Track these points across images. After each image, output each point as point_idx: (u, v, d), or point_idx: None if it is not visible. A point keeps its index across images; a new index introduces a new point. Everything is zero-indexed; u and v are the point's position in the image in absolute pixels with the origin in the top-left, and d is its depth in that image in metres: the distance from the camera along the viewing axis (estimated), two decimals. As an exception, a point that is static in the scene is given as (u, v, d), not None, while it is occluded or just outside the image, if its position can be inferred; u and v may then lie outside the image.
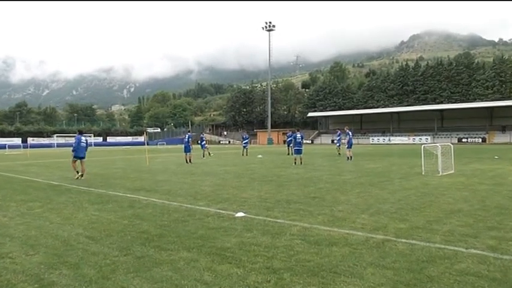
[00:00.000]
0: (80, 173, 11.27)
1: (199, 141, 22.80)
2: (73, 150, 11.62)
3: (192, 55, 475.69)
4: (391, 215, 5.62)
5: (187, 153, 17.48)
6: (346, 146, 18.20)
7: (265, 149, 37.65)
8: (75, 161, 11.52)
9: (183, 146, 18.49)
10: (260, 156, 19.05)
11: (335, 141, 22.38)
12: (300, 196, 7.39)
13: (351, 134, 18.67)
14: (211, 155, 20.82)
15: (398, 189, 8.16)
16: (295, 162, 15.23)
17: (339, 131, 21.60)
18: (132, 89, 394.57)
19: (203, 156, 20.93)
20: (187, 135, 18.41)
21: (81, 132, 11.92)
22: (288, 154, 23.14)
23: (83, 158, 11.66)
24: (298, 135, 15.41)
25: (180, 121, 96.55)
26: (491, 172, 11.27)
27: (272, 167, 14.43)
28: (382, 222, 5.20)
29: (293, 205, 6.46)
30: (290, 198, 7.19)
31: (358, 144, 51.23)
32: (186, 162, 17.11)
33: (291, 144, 22.57)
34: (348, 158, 17.58)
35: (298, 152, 15.29)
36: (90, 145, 60.59)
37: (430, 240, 4.36)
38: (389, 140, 53.87)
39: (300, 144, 15.37)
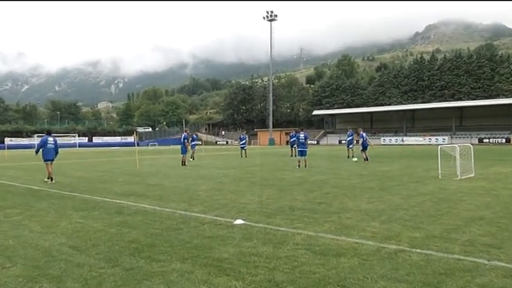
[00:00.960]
0: (49, 177, 11.39)
1: (189, 140, 22.74)
2: (36, 152, 11.84)
3: (187, 47, 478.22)
4: (404, 222, 5.62)
5: (183, 155, 17.51)
6: (361, 148, 18.32)
7: (266, 150, 37.65)
8: (47, 164, 11.65)
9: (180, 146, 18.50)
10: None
11: (346, 142, 22.40)
12: (304, 202, 7.39)
13: (364, 135, 18.81)
14: (194, 160, 20.80)
15: (413, 194, 8.16)
16: (298, 165, 15.25)
17: (351, 131, 21.59)
18: (120, 85, 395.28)
19: (192, 158, 20.93)
20: (183, 135, 18.42)
21: (49, 133, 12.06)
22: (292, 156, 23.15)
23: (52, 160, 11.79)
24: (302, 136, 15.42)
25: (173, 120, 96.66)
26: (515, 176, 11.27)
27: (274, 170, 14.42)
28: (395, 230, 5.20)
29: (297, 212, 6.46)
30: (293, 204, 7.19)
31: (368, 145, 51.19)
32: (182, 164, 17.12)
33: (295, 145, 22.61)
34: (365, 159, 17.73)
35: (302, 153, 15.30)
36: (75, 146, 61.09)
37: (447, 250, 4.36)
38: (402, 140, 53.89)
39: (304, 145, 15.39)
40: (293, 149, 22.74)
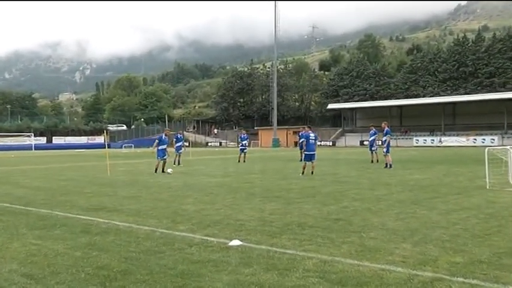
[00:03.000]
0: None
1: (174, 141, 22.78)
2: None
3: (171, 26, 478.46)
4: (443, 244, 5.61)
5: (161, 159, 17.52)
6: (384, 149, 18.28)
7: (269, 154, 37.68)
8: None
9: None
10: (170, 171, 17.96)
11: (369, 143, 22.42)
12: (317, 218, 7.40)
13: (389, 130, 18.74)
14: (179, 165, 20.84)
15: (454, 208, 8.16)
16: (303, 172, 15.26)
17: (374, 129, 21.58)
18: (87, 72, 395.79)
19: (176, 163, 20.95)
20: (161, 136, 18.45)
21: None
22: (301, 160, 23.17)
23: None
24: (312, 135, 15.44)
25: (153, 116, 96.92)
26: None
27: (279, 179, 14.42)
28: (431, 254, 5.20)
29: (308, 230, 6.47)
30: (303, 220, 7.19)
31: (398, 146, 51.20)
32: (162, 171, 17.16)
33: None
34: (387, 165, 17.66)
35: (312, 157, 15.29)
36: (30, 148, 61.14)
37: (499, 280, 4.35)
38: (440, 141, 53.89)
39: (314, 146, 15.40)
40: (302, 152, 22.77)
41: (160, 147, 17.82)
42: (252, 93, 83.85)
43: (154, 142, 18.37)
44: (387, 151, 18.23)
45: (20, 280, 4.58)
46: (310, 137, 15.46)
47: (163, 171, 17.15)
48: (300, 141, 24.55)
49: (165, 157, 17.64)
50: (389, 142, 18.51)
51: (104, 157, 25.04)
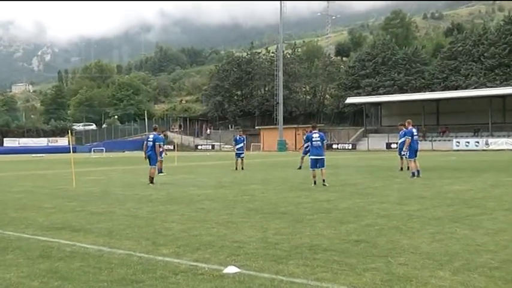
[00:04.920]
0: None
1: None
2: None
3: (152, 2, 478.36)
4: (491, 272, 5.60)
5: (152, 167, 17.48)
6: (408, 153, 18.41)
7: (273, 159, 37.67)
8: None
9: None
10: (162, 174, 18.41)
11: (398, 146, 22.48)
12: (332, 239, 7.40)
13: (415, 132, 18.83)
14: (161, 173, 20.87)
15: (504, 228, 8.15)
16: (314, 182, 15.32)
17: (403, 129, 21.62)
18: (47, 57, 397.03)
19: (159, 172, 20.97)
20: (151, 136, 18.26)
21: None
22: (300, 168, 23.43)
23: None
24: (317, 136, 15.46)
25: (129, 112, 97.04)
26: None
27: (285, 190, 14.44)
28: (475, 284, 5.18)
29: (321, 254, 6.46)
30: (316, 242, 7.19)
31: (433, 150, 51.16)
32: (150, 182, 17.14)
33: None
34: (413, 174, 17.68)
35: (318, 162, 15.26)
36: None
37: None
38: (486, 144, 53.91)
39: (320, 149, 15.38)
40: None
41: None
42: (252, 84, 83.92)
43: (146, 144, 18.03)
44: (410, 155, 18.38)
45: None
46: (314, 138, 15.44)
47: (152, 181, 17.13)
48: (305, 144, 24.69)
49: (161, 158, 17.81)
50: (409, 144, 18.60)
51: (68, 163, 25.03)
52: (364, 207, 10.61)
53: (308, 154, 22.52)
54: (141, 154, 18.58)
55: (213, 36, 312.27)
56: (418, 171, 18.02)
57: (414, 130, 19.01)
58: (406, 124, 19.53)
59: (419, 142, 20.35)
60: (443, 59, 68.13)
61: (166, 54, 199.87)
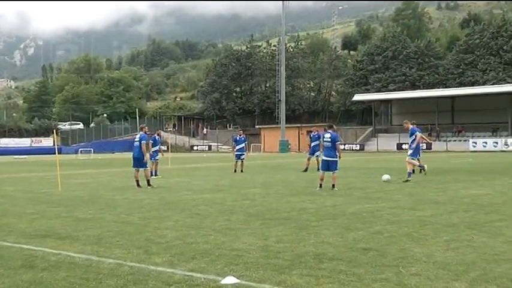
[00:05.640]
0: None
1: (151, 144, 22.74)
2: None
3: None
4: (510, 283, 5.61)
5: (144, 168, 17.48)
6: (411, 151, 18.56)
7: (275, 161, 37.63)
8: None
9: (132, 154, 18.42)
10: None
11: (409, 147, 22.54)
12: (339, 247, 7.40)
13: (418, 132, 18.92)
14: (156, 176, 20.89)
15: (524, 235, 8.14)
16: (320, 185, 15.32)
17: (416, 129, 21.63)
18: (30, 51, 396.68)
19: (154, 174, 20.96)
20: (138, 136, 18.23)
21: None
22: (318, 170, 23.19)
23: None
24: (327, 136, 15.40)
25: (119, 110, 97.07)
26: None
27: (288, 194, 14.43)
28: (494, 295, 5.19)
29: (327, 264, 6.46)
30: (321, 250, 7.19)
31: (448, 151, 51.16)
32: (137, 185, 17.17)
33: (317, 153, 22.87)
34: (409, 174, 17.87)
35: (329, 165, 15.21)
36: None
37: None
38: (505, 144, 53.91)
39: (332, 151, 15.31)
40: (317, 159, 22.87)
41: (153, 149, 17.90)
42: (253, 80, 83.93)
43: (141, 141, 17.98)
44: (412, 154, 18.59)
45: None
46: (325, 138, 15.39)
47: (149, 184, 17.18)
48: (313, 144, 24.65)
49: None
50: (418, 143, 18.90)
51: (53, 166, 25.04)
52: (373, 213, 10.60)
53: (315, 155, 22.52)
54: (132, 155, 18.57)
55: (209, 27, 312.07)
56: (424, 166, 18.25)
57: (418, 131, 19.13)
58: (407, 123, 19.60)
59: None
60: (459, 52, 68.02)
61: (159, 47, 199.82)
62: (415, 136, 18.84)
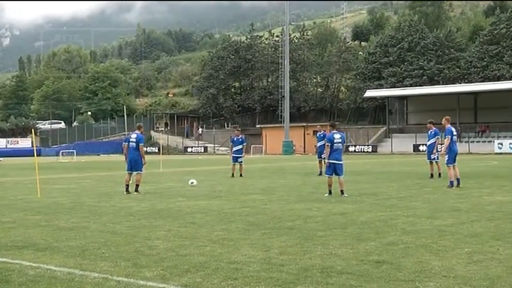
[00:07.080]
0: None
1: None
2: None
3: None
4: (539, 299, 5.60)
5: (137, 172, 17.47)
6: (446, 157, 17.92)
7: (278, 164, 37.58)
8: None
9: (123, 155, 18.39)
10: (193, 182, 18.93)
11: (427, 148, 22.41)
12: (348, 260, 7.40)
13: (454, 131, 18.36)
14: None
15: (555, 246, 8.13)
16: (329, 191, 15.35)
17: (434, 128, 21.44)
18: (5, 42, 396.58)
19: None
20: (135, 136, 18.25)
21: None
22: (320, 174, 23.31)
23: None
24: (338, 137, 15.39)
25: (105, 107, 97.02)
26: None
27: (292, 201, 14.43)
28: (521, 313, 5.19)
29: (335, 278, 6.46)
30: (329, 263, 7.19)
31: (470, 153, 51.10)
32: (127, 190, 17.18)
33: (323, 155, 22.63)
34: (452, 183, 17.42)
35: (335, 169, 15.25)
36: None
37: None
38: (535, 145, 53.85)
39: (340, 153, 15.43)
40: (322, 161, 22.85)
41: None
42: (253, 74, 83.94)
43: (128, 145, 17.98)
44: (450, 159, 17.69)
45: None
46: (335, 140, 15.36)
47: (127, 190, 17.18)
48: (319, 145, 24.59)
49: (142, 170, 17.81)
50: (452, 146, 17.86)
51: (31, 169, 25.06)
52: (387, 222, 10.58)
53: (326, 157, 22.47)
54: (120, 158, 18.62)
55: (205, 16, 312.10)
56: (458, 179, 17.51)
57: (453, 129, 18.20)
58: (444, 121, 18.73)
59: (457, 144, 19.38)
60: (483, 43, 67.83)
61: (150, 38, 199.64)
62: (453, 138, 17.72)
